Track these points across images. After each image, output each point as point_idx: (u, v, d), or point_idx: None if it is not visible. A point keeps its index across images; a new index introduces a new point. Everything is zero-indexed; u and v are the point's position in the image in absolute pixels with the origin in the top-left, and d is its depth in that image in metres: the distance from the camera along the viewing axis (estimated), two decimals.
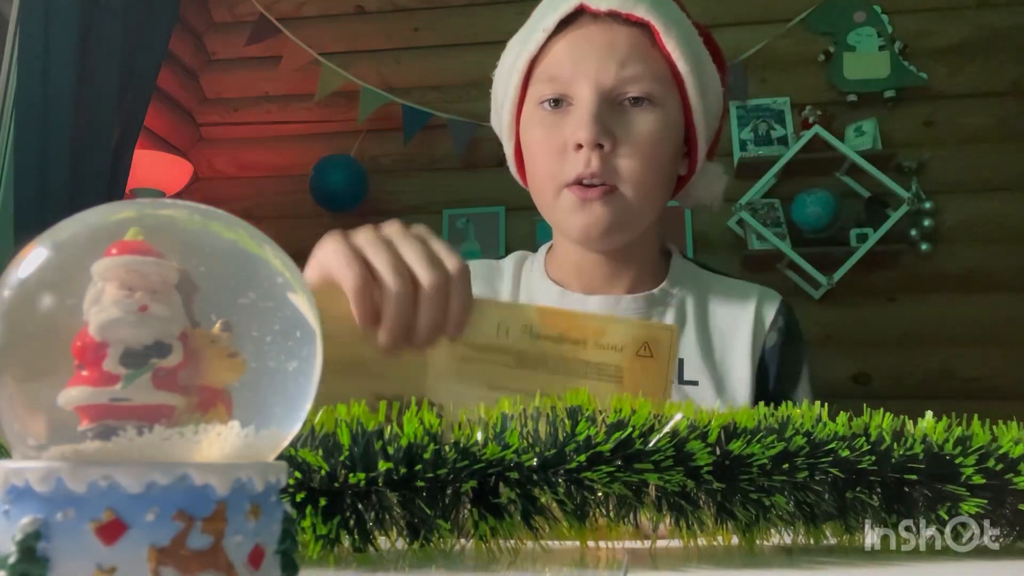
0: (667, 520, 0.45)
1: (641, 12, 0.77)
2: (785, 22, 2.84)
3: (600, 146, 0.75)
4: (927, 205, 2.69)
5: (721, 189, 0.90)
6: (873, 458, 0.47)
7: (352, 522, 0.42)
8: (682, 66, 0.78)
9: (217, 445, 0.26)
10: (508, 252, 0.96)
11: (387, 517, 0.43)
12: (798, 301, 2.73)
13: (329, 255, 0.58)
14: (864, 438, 0.48)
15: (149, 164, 2.64)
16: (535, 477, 0.43)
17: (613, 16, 0.78)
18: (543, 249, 0.93)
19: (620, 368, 0.59)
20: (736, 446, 0.45)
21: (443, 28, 3.08)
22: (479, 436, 0.44)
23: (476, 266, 0.89)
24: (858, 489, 0.47)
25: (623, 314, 0.83)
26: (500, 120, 0.88)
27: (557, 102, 0.79)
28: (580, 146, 0.76)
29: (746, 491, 0.45)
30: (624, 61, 0.76)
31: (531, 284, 0.90)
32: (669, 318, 0.84)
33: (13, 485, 0.24)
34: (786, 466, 0.46)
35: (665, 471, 0.44)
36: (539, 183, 0.82)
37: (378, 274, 0.56)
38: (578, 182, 0.76)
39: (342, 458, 0.42)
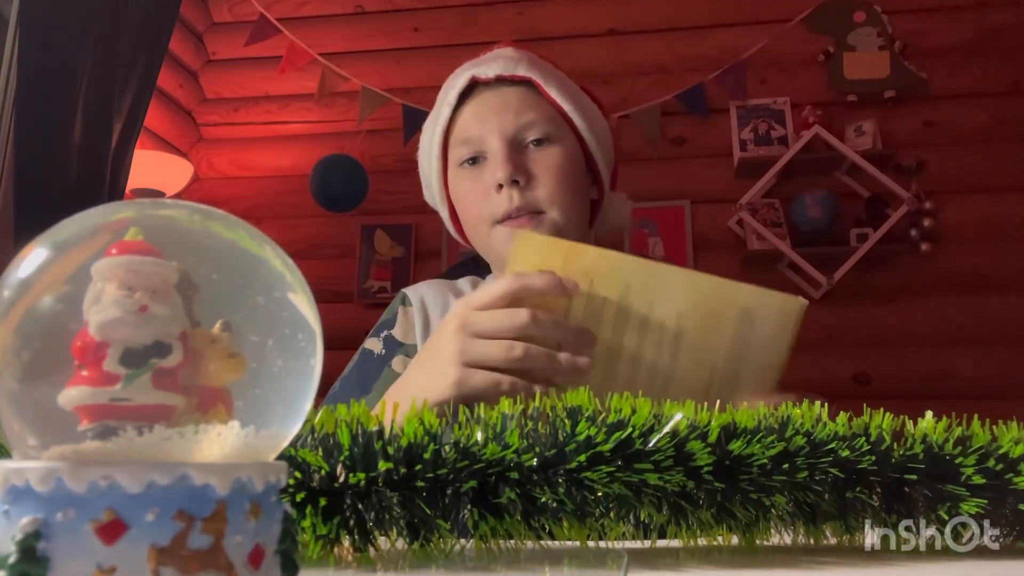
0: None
1: (522, 71, 0.93)
2: (785, 22, 2.84)
3: (516, 182, 0.87)
4: (927, 205, 2.69)
5: (629, 212, 1.03)
6: (873, 458, 0.47)
7: (352, 522, 0.42)
8: (567, 107, 0.92)
9: (217, 445, 0.26)
10: None
11: (387, 517, 0.43)
12: None
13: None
14: (864, 438, 0.48)
15: (149, 164, 2.64)
16: (535, 477, 0.43)
17: (500, 80, 0.93)
18: (490, 277, 1.03)
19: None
20: (736, 446, 0.45)
21: (443, 28, 3.08)
22: (479, 436, 0.44)
23: (438, 285, 1.01)
24: (858, 489, 0.47)
25: None
26: (431, 190, 1.00)
27: (474, 160, 0.92)
28: (501, 186, 0.87)
29: (746, 491, 0.45)
30: (519, 112, 0.90)
31: None
32: None
33: (13, 485, 0.24)
34: (786, 466, 0.46)
35: (665, 471, 0.44)
36: (473, 225, 0.94)
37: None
38: (506, 218, 0.88)
39: (342, 458, 0.42)
